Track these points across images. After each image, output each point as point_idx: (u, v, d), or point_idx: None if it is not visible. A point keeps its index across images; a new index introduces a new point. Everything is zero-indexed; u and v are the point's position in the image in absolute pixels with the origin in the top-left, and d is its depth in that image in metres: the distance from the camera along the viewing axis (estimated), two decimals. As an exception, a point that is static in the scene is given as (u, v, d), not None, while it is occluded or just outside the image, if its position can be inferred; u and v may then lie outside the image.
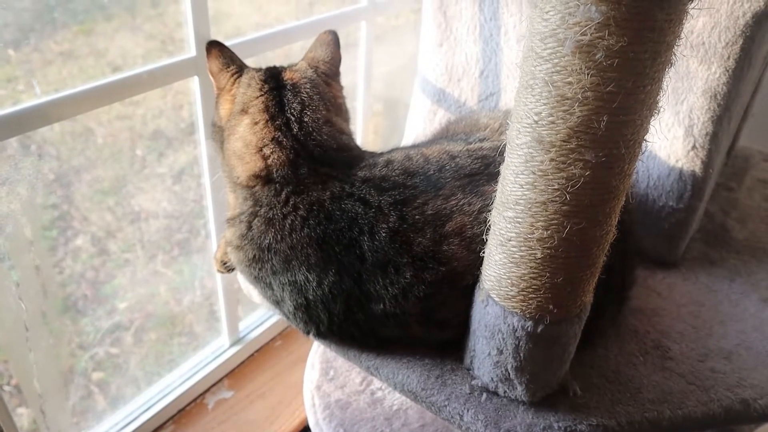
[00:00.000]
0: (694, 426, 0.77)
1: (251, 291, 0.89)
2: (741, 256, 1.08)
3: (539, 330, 0.67)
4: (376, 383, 1.17)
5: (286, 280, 0.76)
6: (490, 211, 0.69)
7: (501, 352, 0.71)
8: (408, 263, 0.72)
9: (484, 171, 0.77)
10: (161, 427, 1.25)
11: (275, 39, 1.15)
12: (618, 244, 0.67)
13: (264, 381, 1.37)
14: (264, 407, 1.32)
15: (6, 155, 0.92)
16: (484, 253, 0.70)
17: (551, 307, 0.66)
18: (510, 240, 0.65)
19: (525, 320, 0.67)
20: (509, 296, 0.67)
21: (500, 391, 0.76)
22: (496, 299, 0.69)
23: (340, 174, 0.78)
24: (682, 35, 0.54)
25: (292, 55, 1.29)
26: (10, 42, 0.96)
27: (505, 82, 1.16)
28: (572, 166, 0.57)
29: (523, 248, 0.64)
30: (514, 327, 0.68)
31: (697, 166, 0.97)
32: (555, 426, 0.73)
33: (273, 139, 0.79)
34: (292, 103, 0.81)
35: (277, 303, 0.80)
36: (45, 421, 1.07)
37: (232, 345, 1.39)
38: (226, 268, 0.92)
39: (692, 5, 0.53)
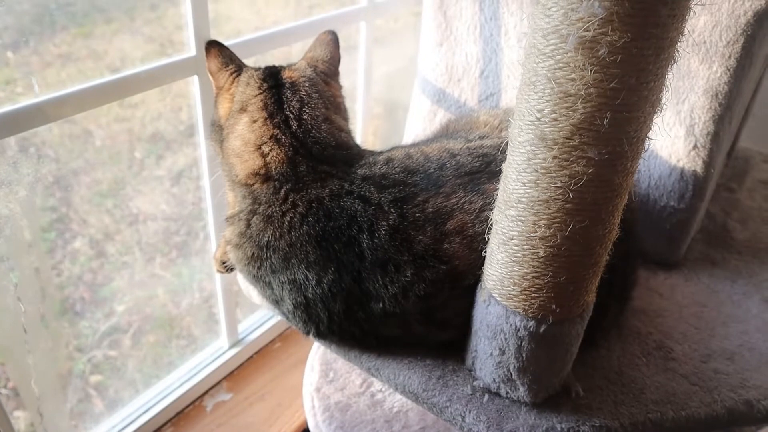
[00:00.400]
0: (698, 427, 0.76)
1: (251, 291, 0.89)
2: (743, 257, 1.08)
3: (542, 330, 0.67)
4: (376, 385, 1.17)
5: (285, 279, 0.76)
6: (491, 209, 0.69)
7: (503, 353, 0.71)
8: (408, 261, 0.71)
9: (485, 169, 0.77)
10: (159, 429, 1.24)
11: (275, 39, 1.14)
12: (620, 243, 0.67)
13: (263, 383, 1.37)
14: (263, 409, 1.31)
15: (5, 157, 0.91)
16: (485, 252, 0.70)
17: (554, 306, 0.65)
18: (512, 239, 0.64)
19: (527, 320, 0.67)
20: (511, 296, 0.67)
21: (502, 392, 0.75)
22: (498, 299, 0.68)
23: (340, 172, 0.77)
24: (685, 32, 0.54)
25: (293, 57, 1.28)
26: (9, 44, 0.96)
27: (506, 82, 1.16)
28: (575, 164, 0.57)
29: (525, 247, 0.63)
30: (516, 327, 0.67)
31: (698, 166, 0.97)
32: (558, 427, 0.72)
33: (272, 136, 0.78)
34: (291, 101, 0.81)
35: (277, 302, 0.80)
36: (42, 423, 1.06)
37: (231, 347, 1.38)
38: (226, 267, 0.91)
39: (695, 1, 0.53)
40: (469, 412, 0.74)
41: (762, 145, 1.38)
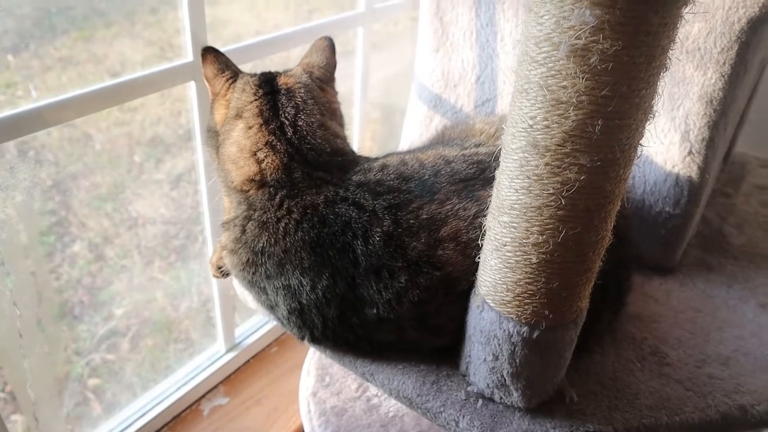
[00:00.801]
0: (692, 432, 0.77)
1: (246, 296, 0.89)
2: (738, 261, 1.08)
3: (535, 335, 0.67)
4: (372, 390, 1.17)
5: (280, 284, 0.76)
6: (485, 216, 0.69)
7: (497, 358, 0.71)
8: (402, 268, 0.72)
9: (479, 176, 0.77)
10: (156, 433, 1.25)
11: (272, 45, 1.15)
12: (614, 249, 0.67)
13: (260, 387, 1.37)
14: (260, 414, 1.31)
15: (4, 161, 0.91)
16: (479, 258, 0.70)
17: (547, 312, 0.66)
18: (505, 245, 0.64)
19: (521, 326, 0.67)
20: (505, 301, 0.67)
21: (496, 397, 0.75)
22: (492, 305, 0.69)
23: (335, 178, 0.78)
24: (677, 40, 0.54)
25: (291, 62, 1.29)
26: (10, 48, 0.96)
27: (502, 88, 1.16)
28: (567, 171, 0.57)
29: (518, 253, 0.64)
30: (509, 332, 0.68)
31: (693, 172, 0.97)
32: (551, 432, 0.72)
33: (267, 143, 0.79)
34: (286, 107, 0.81)
35: (272, 308, 0.80)
36: (38, 427, 1.06)
37: (228, 351, 1.38)
38: (222, 272, 0.91)
39: (687, 9, 0.53)
40: (463, 417, 0.74)
41: (758, 150, 1.39)
